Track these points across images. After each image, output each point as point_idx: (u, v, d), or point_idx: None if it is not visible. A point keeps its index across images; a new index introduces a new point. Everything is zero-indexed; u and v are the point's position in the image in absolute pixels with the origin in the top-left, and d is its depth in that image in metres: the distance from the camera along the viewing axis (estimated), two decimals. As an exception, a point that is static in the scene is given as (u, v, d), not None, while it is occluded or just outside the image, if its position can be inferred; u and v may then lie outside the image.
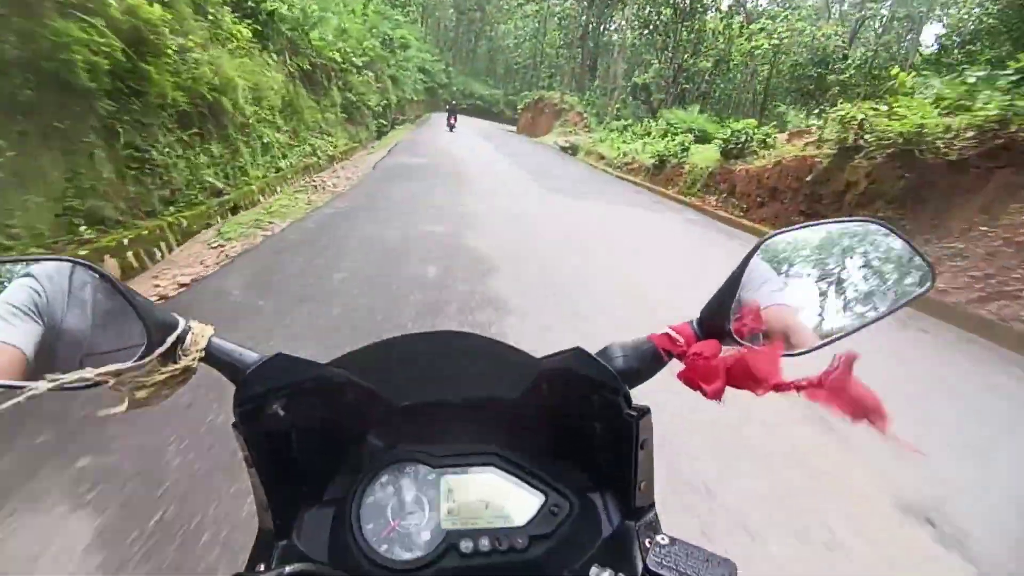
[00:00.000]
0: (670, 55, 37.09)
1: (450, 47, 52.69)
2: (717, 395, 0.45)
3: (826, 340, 0.50)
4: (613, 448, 0.47)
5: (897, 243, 0.55)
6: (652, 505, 0.48)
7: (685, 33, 30.43)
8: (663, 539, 0.40)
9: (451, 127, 25.52)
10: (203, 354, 0.48)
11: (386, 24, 24.07)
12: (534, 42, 52.93)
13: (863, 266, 0.55)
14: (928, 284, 0.53)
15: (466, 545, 0.44)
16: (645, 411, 0.46)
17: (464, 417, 0.54)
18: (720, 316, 0.49)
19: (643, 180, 14.51)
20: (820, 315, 0.52)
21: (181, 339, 0.47)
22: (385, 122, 20.10)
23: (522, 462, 0.49)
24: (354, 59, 15.76)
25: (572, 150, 23.29)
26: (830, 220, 0.56)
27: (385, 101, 21.01)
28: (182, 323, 0.48)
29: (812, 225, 0.55)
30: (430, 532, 0.46)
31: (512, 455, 0.49)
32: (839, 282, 0.54)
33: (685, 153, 13.34)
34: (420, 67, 38.22)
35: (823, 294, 0.53)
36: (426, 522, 0.46)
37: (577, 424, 0.50)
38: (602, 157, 19.15)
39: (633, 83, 33.12)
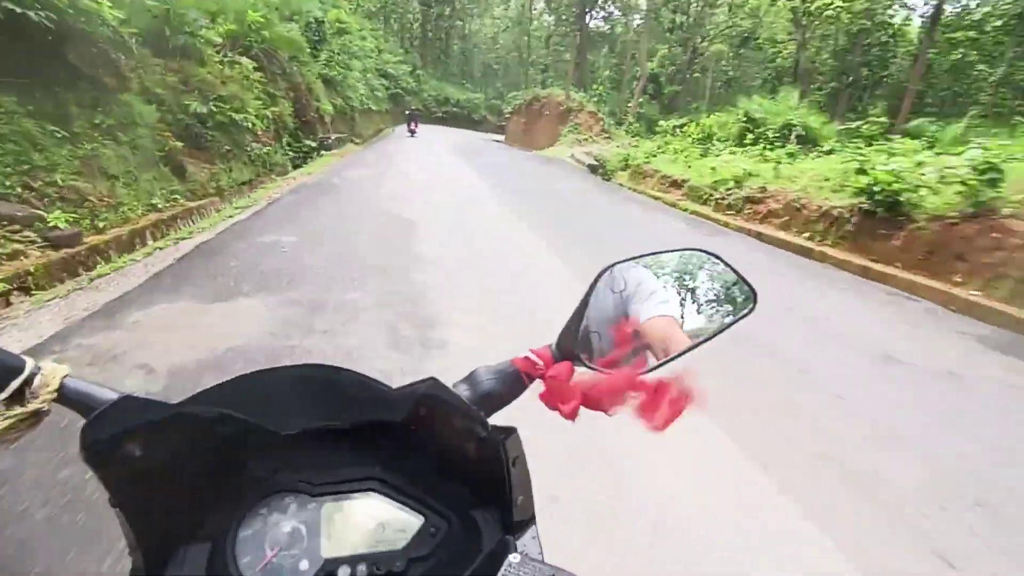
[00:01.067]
0: (684, 35, 29.96)
1: (417, 48, 44.66)
2: (571, 415, 0.49)
3: (666, 359, 0.55)
4: (488, 467, 0.47)
5: (725, 270, 0.63)
6: (532, 519, 0.50)
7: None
8: (515, 557, 0.41)
9: (412, 133, 23.15)
10: (54, 395, 0.47)
11: (311, 2, 16.20)
12: (518, 30, 45.10)
13: (697, 291, 0.63)
14: (751, 306, 0.60)
15: (344, 572, 0.44)
16: (510, 432, 0.47)
17: (346, 443, 0.51)
18: (571, 340, 0.55)
19: (843, 251, 6.63)
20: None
21: (28, 382, 0.47)
22: (308, 143, 12.12)
23: (402, 484, 0.49)
24: (201, 29, 7.79)
25: (602, 169, 15.34)
26: (666, 251, 0.63)
27: (310, 112, 13.06)
28: (29, 365, 0.47)
29: (651, 254, 0.63)
30: (308, 561, 0.45)
31: (393, 478, 0.49)
32: (680, 305, 0.61)
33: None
34: (381, 70, 30.16)
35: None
36: (304, 551, 0.45)
37: (454, 444, 0.49)
38: (675, 184, 11.16)
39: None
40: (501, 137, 30.46)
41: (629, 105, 25.58)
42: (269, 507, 0.48)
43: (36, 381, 0.47)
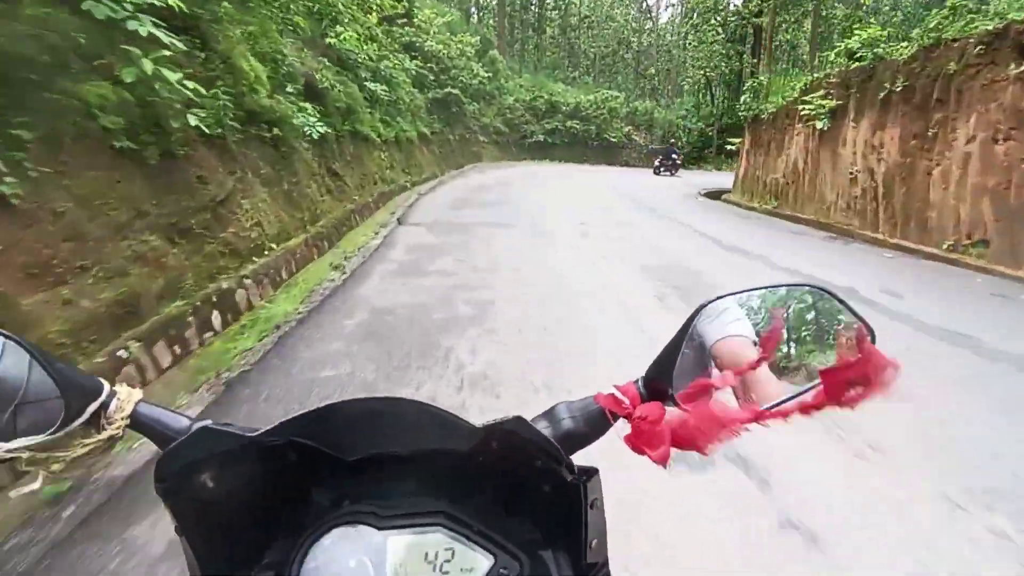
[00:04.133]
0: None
1: (492, 26, 29.08)
2: (663, 460, 0.47)
3: (768, 405, 0.49)
4: (562, 508, 0.46)
5: (840, 308, 0.56)
6: (605, 562, 0.49)
7: None
8: None
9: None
10: (128, 421, 0.48)
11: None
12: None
13: (805, 331, 0.59)
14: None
15: None
16: (593, 472, 0.47)
17: (412, 472, 0.49)
18: (664, 376, 0.51)
19: None
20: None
21: (105, 406, 0.48)
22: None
23: (471, 521, 0.47)
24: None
25: None
26: (772, 285, 0.58)
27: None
28: (106, 389, 0.49)
29: (756, 289, 0.58)
30: None
31: (461, 514, 0.47)
32: (783, 348, 0.55)
33: None
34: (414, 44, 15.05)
35: (767, 359, 0.52)
36: None
37: (526, 482, 0.47)
38: None
39: None
40: (689, 185, 17.29)
41: None
42: (334, 538, 0.46)
43: (112, 405, 0.48)
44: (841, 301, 0.56)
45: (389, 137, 11.87)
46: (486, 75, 21.38)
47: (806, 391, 0.49)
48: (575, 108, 25.44)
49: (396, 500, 0.47)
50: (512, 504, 0.48)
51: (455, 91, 18.10)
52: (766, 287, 0.58)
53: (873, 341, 0.50)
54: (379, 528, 0.45)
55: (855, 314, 0.55)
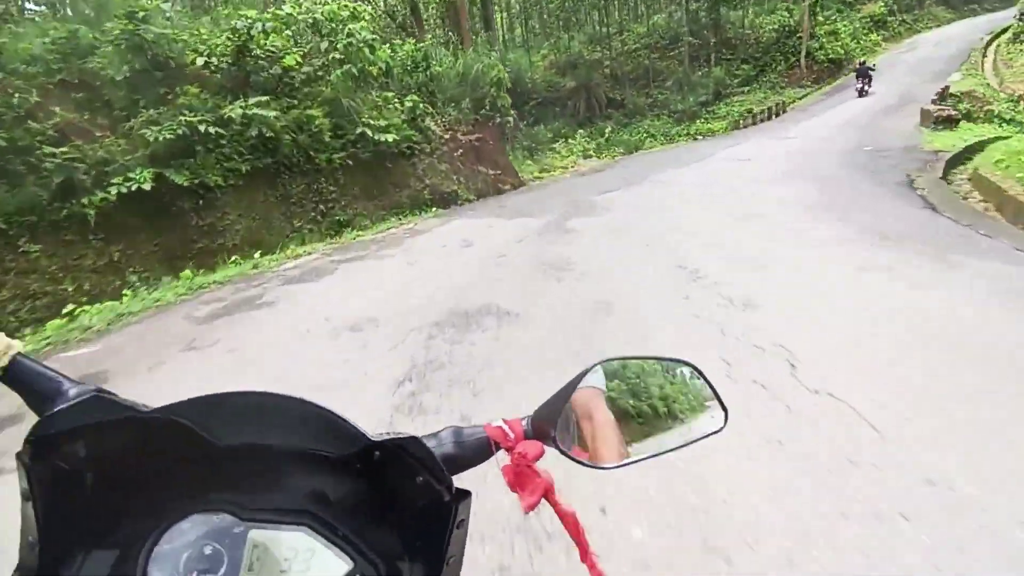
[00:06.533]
0: None
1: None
2: (530, 507, 0.51)
3: (626, 461, 0.57)
4: (429, 523, 0.48)
5: (704, 387, 0.63)
6: None
7: None
8: None
9: None
10: (1, 372, 0.47)
11: None
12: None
13: (674, 402, 0.63)
14: (721, 425, 0.61)
15: None
16: (466, 495, 0.49)
17: (287, 469, 0.49)
18: (549, 419, 0.54)
19: None
20: (627, 436, 0.58)
21: None
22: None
23: (336, 524, 0.47)
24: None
25: None
26: (655, 356, 0.65)
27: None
28: None
29: (642, 357, 0.64)
30: None
31: (327, 516, 0.47)
32: (651, 410, 0.61)
33: None
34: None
35: (633, 418, 0.59)
36: None
37: (400, 494, 0.49)
38: None
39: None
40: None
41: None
42: (193, 523, 0.45)
43: None
44: (708, 382, 0.63)
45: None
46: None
47: (616, 466, 0.56)
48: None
49: (265, 494, 0.47)
50: (380, 513, 0.48)
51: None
52: (651, 357, 0.64)
53: (726, 422, 0.60)
54: (242, 519, 0.45)
55: (716, 394, 0.62)
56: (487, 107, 14.03)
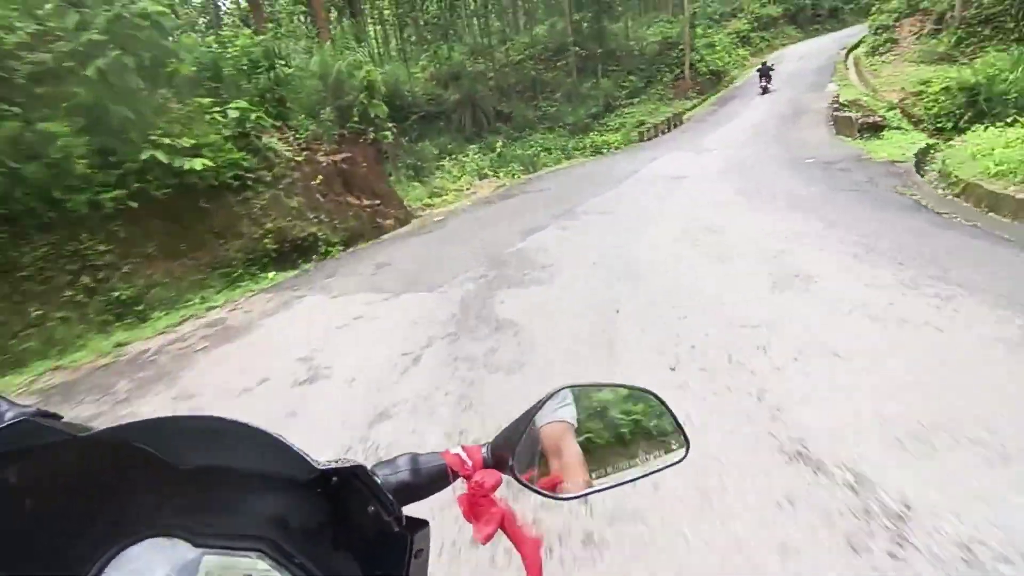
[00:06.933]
0: None
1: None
2: (485, 539, 0.49)
3: (589, 490, 0.57)
4: (388, 552, 0.47)
5: (666, 416, 0.63)
6: None
7: None
8: None
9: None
10: None
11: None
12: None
13: (635, 432, 0.62)
14: (683, 456, 0.61)
15: None
16: (423, 525, 0.48)
17: (243, 492, 0.47)
18: (508, 448, 0.54)
19: None
20: (589, 465, 0.58)
21: None
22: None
23: (293, 551, 0.45)
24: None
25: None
26: (620, 384, 0.65)
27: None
28: None
29: (606, 385, 0.66)
30: None
31: (285, 542, 0.45)
32: (614, 439, 0.61)
33: None
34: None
35: (596, 448, 0.59)
36: None
37: (357, 522, 0.48)
38: None
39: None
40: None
41: None
42: (145, 548, 0.43)
43: None
44: (671, 412, 0.63)
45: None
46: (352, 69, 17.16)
47: (583, 494, 0.57)
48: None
49: (222, 518, 0.45)
50: (339, 540, 0.47)
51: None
52: (616, 384, 0.65)
53: (687, 452, 0.61)
54: (195, 544, 0.43)
55: (678, 425, 0.62)
56: (356, 118, 10.74)
